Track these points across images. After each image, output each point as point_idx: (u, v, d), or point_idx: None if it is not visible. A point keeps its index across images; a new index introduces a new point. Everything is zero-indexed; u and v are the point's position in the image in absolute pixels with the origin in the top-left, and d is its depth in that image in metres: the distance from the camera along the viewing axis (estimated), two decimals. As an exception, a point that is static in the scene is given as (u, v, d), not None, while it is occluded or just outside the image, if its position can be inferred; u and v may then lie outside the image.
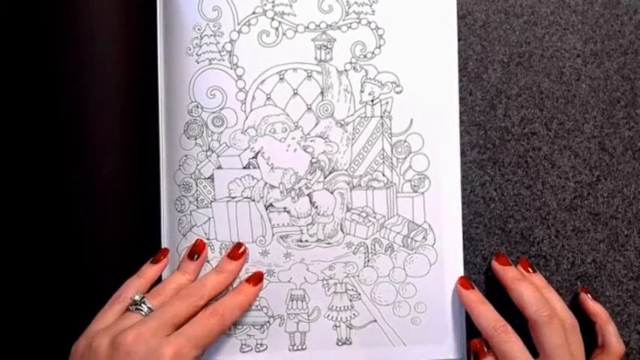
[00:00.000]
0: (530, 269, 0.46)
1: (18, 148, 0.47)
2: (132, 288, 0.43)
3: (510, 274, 0.45)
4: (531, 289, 0.43)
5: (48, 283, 0.47)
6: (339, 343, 0.45)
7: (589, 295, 0.47)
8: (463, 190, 0.47)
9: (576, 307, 0.47)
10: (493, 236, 0.48)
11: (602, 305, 0.47)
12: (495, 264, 0.46)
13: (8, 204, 0.47)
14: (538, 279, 0.46)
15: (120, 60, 0.47)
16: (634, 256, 0.48)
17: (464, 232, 0.47)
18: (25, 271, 0.47)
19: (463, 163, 0.47)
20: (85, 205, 0.47)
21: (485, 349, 0.43)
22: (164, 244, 0.46)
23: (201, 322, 0.41)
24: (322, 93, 0.45)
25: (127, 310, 0.42)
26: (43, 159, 0.47)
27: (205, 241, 0.45)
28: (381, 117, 0.45)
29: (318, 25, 0.45)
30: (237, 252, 0.45)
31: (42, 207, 0.47)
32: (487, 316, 0.43)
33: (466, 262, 0.47)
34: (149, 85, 0.46)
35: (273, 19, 0.44)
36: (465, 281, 0.46)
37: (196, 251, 0.45)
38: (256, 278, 0.45)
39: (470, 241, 0.48)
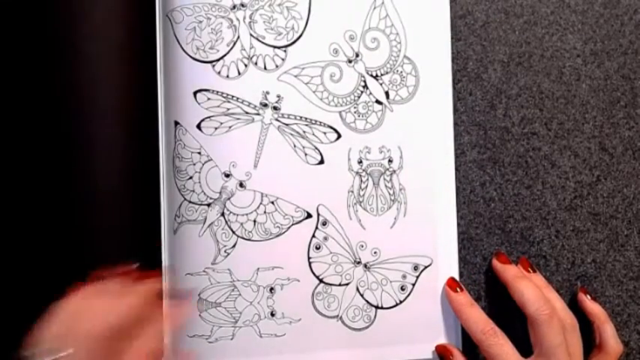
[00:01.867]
0: (530, 269, 0.46)
1: (18, 148, 0.47)
2: None
3: (511, 272, 0.45)
4: (532, 287, 0.43)
5: (50, 280, 0.47)
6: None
7: (588, 295, 0.47)
8: (463, 190, 0.47)
9: (575, 307, 0.47)
10: (493, 236, 0.48)
11: (602, 305, 0.47)
12: (496, 262, 0.46)
13: (9, 202, 0.47)
14: (538, 279, 0.46)
15: (120, 59, 0.47)
16: (634, 256, 0.48)
17: (464, 232, 0.47)
18: (27, 267, 0.47)
19: (463, 163, 0.47)
20: (85, 206, 0.47)
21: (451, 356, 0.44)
22: (164, 236, 0.46)
23: None
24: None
25: None
26: (43, 158, 0.47)
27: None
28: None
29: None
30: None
31: (42, 204, 0.47)
32: (476, 319, 0.43)
33: (466, 262, 0.47)
34: (149, 84, 0.46)
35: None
36: (453, 282, 0.46)
37: None
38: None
39: (470, 241, 0.48)
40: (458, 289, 0.45)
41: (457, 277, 0.46)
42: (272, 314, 0.45)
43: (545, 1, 0.48)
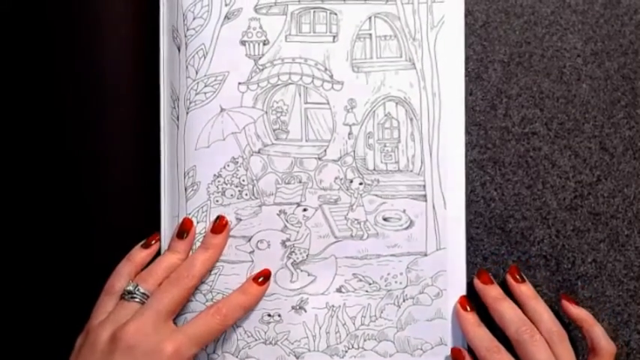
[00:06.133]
0: (519, 277, 0.46)
1: (23, 147, 0.47)
2: (123, 276, 0.43)
3: (492, 294, 0.45)
4: (511, 308, 0.44)
5: (56, 278, 0.47)
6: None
7: (570, 301, 0.45)
8: (463, 190, 0.47)
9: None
10: (493, 236, 0.48)
11: (593, 306, 0.47)
12: (477, 282, 0.46)
13: (17, 201, 0.47)
14: (526, 288, 0.45)
15: (125, 59, 0.47)
16: (634, 256, 0.48)
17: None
18: (32, 265, 0.47)
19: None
20: (89, 202, 0.47)
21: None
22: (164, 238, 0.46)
23: (203, 321, 0.41)
24: None
25: (122, 298, 0.42)
26: (47, 157, 0.47)
27: (193, 220, 0.45)
28: None
29: None
30: (220, 225, 0.44)
31: (47, 205, 0.47)
32: (481, 338, 0.44)
33: (466, 262, 0.47)
34: (152, 84, 0.46)
35: None
36: (465, 301, 0.45)
37: (184, 230, 0.44)
38: (262, 277, 0.44)
39: (470, 241, 0.48)
40: (468, 308, 0.45)
41: (465, 286, 0.46)
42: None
43: (545, 1, 0.48)
